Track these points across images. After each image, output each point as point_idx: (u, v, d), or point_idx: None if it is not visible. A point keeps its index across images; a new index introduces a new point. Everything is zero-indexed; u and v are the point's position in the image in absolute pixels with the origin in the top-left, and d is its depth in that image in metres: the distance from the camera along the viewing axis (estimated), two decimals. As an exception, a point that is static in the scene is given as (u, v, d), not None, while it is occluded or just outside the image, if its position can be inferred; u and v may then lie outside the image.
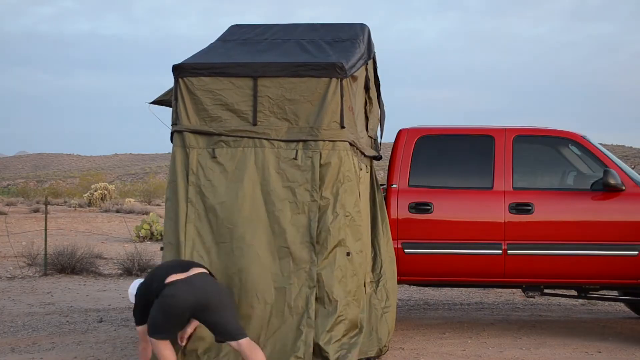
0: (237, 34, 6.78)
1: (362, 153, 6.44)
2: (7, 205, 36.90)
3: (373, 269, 6.63)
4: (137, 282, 5.22)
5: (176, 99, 5.79)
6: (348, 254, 5.63)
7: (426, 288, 10.68)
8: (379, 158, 7.39)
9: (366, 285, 6.18)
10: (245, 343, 4.88)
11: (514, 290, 10.06)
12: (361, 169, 6.25)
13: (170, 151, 5.90)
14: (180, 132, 5.77)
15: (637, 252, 6.87)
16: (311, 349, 5.39)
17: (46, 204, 15.42)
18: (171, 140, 5.88)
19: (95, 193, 38.53)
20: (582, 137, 7.34)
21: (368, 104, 6.82)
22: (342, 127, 5.64)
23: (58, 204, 41.28)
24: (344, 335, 5.58)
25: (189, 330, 5.24)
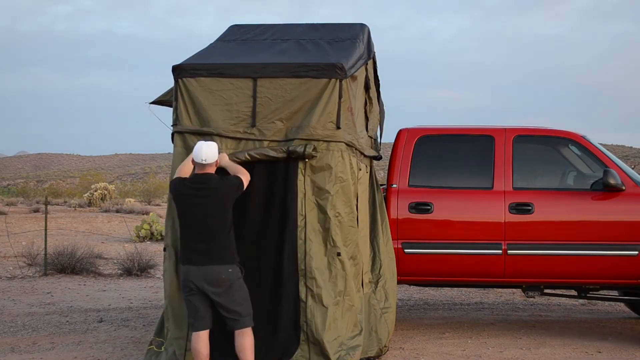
0: (237, 34, 6.78)
1: (362, 153, 6.44)
2: (7, 205, 36.90)
3: (372, 270, 6.63)
4: None
5: (176, 100, 5.78)
6: (338, 254, 5.63)
7: (426, 288, 10.68)
8: (379, 158, 7.38)
9: (364, 285, 6.18)
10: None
11: (514, 290, 10.05)
12: (360, 169, 6.24)
13: (171, 151, 5.91)
14: (180, 132, 5.77)
15: (637, 252, 6.87)
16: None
17: (46, 204, 15.42)
18: (172, 141, 5.88)
19: (95, 193, 38.48)
20: (582, 137, 7.34)
21: (368, 104, 6.82)
22: (338, 127, 5.64)
23: (58, 204, 41.28)
24: (340, 335, 5.58)
25: None
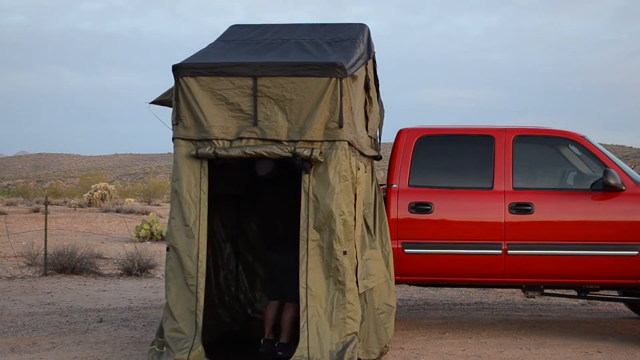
0: (237, 34, 6.78)
1: (361, 153, 6.44)
2: (7, 205, 36.87)
3: None
4: None
5: (176, 99, 5.78)
6: (345, 252, 5.64)
7: (426, 288, 10.68)
8: (379, 158, 7.38)
9: (359, 285, 6.16)
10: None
11: (514, 290, 10.06)
12: (359, 169, 6.24)
13: (171, 151, 5.91)
14: (181, 138, 5.77)
15: (637, 252, 6.87)
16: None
17: (46, 204, 15.42)
18: (173, 140, 5.88)
19: (95, 193, 38.45)
20: (582, 137, 7.35)
21: (368, 104, 6.82)
22: (341, 126, 5.64)
23: (58, 204, 41.25)
24: (338, 334, 5.57)
25: None
